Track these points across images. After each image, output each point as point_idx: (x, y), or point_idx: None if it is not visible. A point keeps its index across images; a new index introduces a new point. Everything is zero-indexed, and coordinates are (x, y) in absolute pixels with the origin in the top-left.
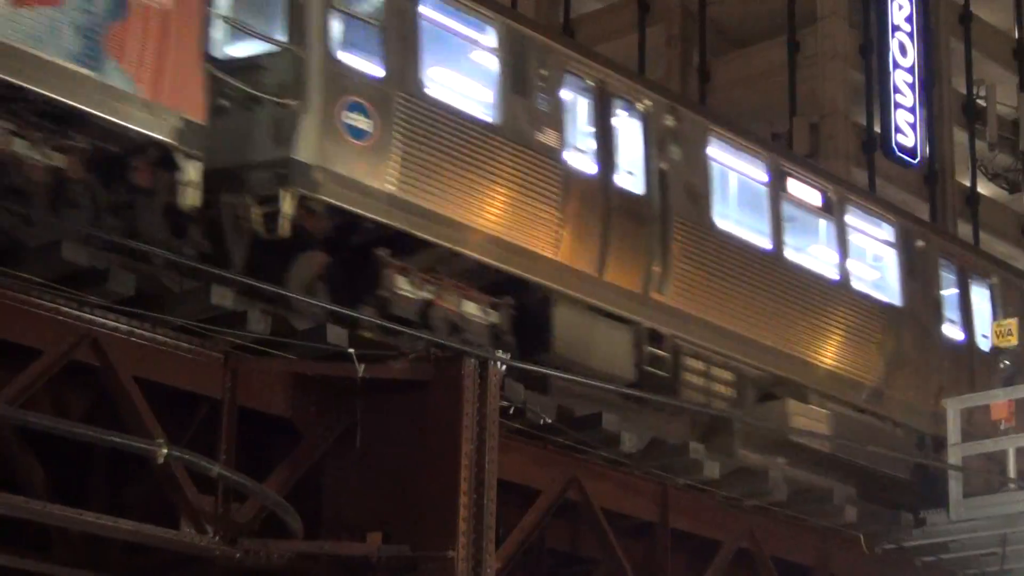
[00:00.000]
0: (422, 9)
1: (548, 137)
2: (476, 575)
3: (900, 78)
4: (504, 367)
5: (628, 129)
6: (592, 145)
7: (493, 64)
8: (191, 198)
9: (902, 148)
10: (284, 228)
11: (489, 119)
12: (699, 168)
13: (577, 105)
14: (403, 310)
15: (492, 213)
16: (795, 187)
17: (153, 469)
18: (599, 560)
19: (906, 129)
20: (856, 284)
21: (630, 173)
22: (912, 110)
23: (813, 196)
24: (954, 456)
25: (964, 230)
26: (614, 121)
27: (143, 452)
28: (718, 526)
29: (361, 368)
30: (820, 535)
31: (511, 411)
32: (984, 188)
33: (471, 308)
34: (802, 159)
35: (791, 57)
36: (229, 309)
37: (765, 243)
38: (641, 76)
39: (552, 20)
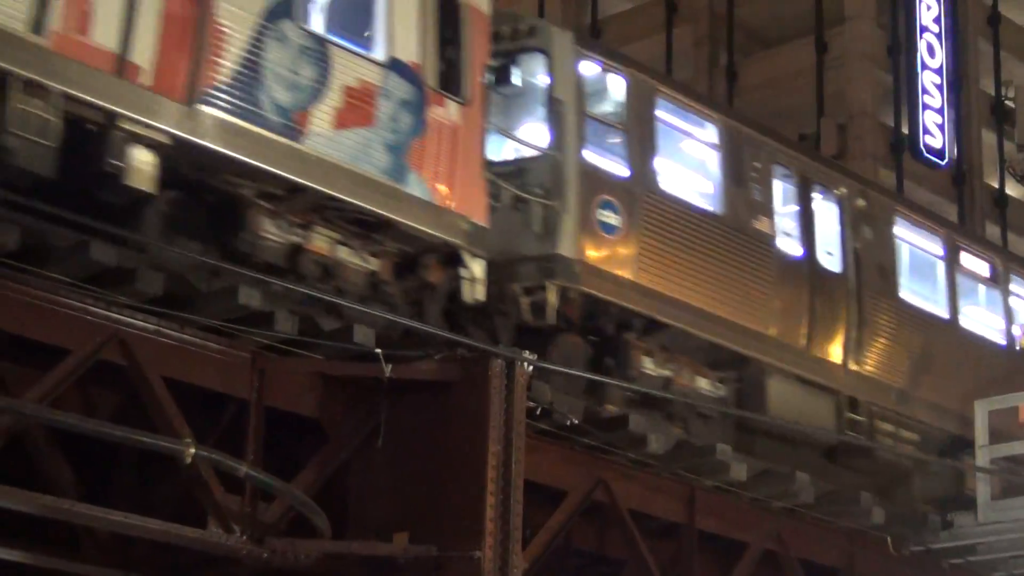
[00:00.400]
0: (657, 112)
1: (761, 223)
2: (502, 575)
3: (928, 79)
4: (531, 368)
5: (826, 212)
6: (796, 228)
7: (714, 158)
8: (478, 293)
9: (930, 149)
10: (551, 316)
11: (713, 209)
12: (887, 246)
13: (783, 192)
14: (651, 386)
15: (716, 295)
16: (967, 260)
17: (181, 469)
18: (626, 561)
19: (934, 130)
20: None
21: (829, 253)
22: (940, 111)
23: (982, 267)
24: (982, 458)
25: (992, 232)
26: (814, 205)
27: (171, 452)
28: (745, 527)
29: (388, 368)
30: (847, 537)
31: (538, 412)
32: (1012, 189)
33: (703, 383)
34: (971, 233)
35: (819, 58)
36: (257, 309)
37: (942, 312)
38: (836, 163)
39: (580, 21)
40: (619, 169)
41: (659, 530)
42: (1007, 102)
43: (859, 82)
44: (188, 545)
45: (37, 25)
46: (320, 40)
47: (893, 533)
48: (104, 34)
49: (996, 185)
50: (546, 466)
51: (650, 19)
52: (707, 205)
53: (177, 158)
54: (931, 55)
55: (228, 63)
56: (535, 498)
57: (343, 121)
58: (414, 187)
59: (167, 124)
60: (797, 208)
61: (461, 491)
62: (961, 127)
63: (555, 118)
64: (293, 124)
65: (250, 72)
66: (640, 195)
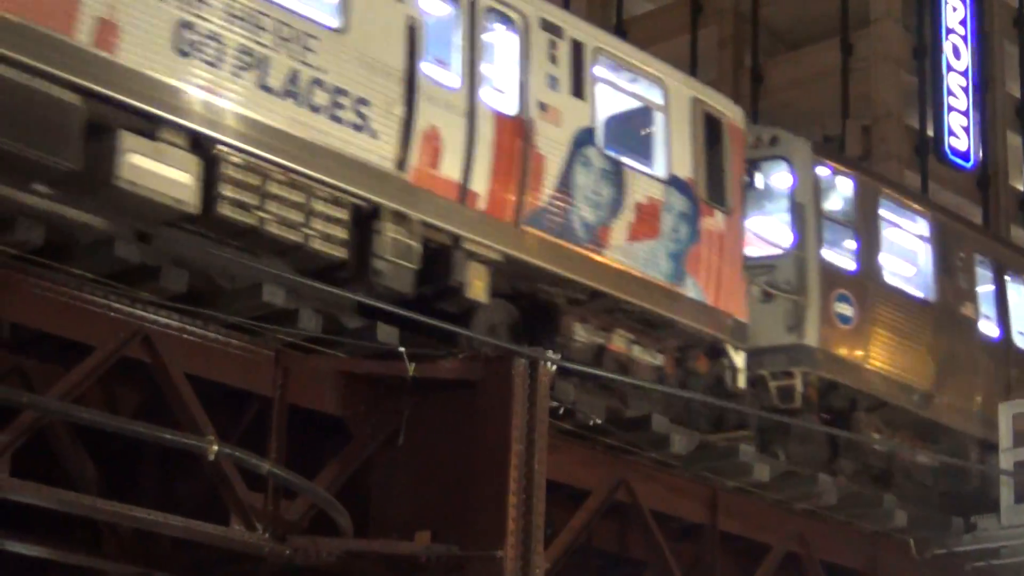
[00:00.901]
0: (880, 210)
1: (967, 308)
2: (524, 575)
3: (954, 81)
4: (554, 367)
5: (1018, 296)
6: (992, 312)
7: (926, 250)
8: (740, 381)
9: (955, 152)
10: (797, 401)
11: (928, 297)
12: None
13: (982, 279)
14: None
15: (933, 376)
16: None
17: (203, 466)
18: (647, 562)
19: (959, 132)
20: None
21: (1022, 333)
22: (965, 113)
23: None
24: (1006, 461)
25: (1017, 235)
26: (1009, 290)
27: (194, 449)
28: (767, 529)
29: (411, 367)
30: (869, 539)
31: (561, 411)
32: None
33: (923, 459)
34: None
35: (844, 59)
36: (280, 307)
37: None
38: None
39: (605, 22)
40: (849, 264)
41: (681, 531)
42: None
43: (884, 84)
44: (210, 542)
45: (401, 163)
46: (616, 163)
47: (916, 536)
48: (451, 167)
49: (1021, 188)
50: (568, 466)
51: (675, 20)
52: (923, 294)
53: (504, 271)
54: (956, 57)
55: (546, 187)
56: (557, 498)
57: (635, 234)
58: (690, 289)
59: (500, 243)
60: (993, 292)
61: (483, 490)
62: (986, 129)
63: (797, 219)
64: (596, 238)
65: (563, 194)
66: (869, 287)
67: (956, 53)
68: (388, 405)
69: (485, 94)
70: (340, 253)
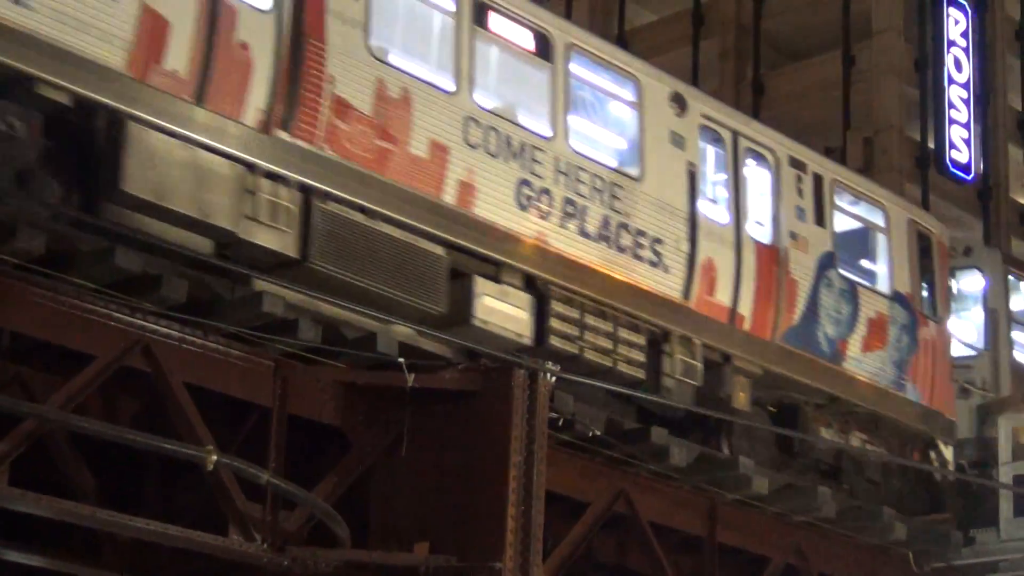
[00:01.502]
0: None
1: None
2: None
3: (955, 93)
4: (554, 378)
5: None
6: None
7: None
8: (944, 476)
9: (956, 164)
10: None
11: None
12: None
13: None
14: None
15: None
16: None
17: (203, 476)
18: (646, 574)
19: (960, 145)
20: None
21: None
22: (967, 126)
23: None
24: (1006, 475)
25: (1019, 248)
26: None
27: (193, 459)
28: (766, 542)
29: (411, 378)
30: (868, 552)
31: (560, 423)
32: None
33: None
34: None
35: (846, 71)
36: (280, 317)
37: None
38: None
39: (606, 32)
40: None
41: (680, 543)
42: None
43: (886, 96)
44: (209, 552)
45: (686, 292)
46: (851, 283)
47: (915, 549)
48: (723, 293)
49: (1022, 200)
50: (567, 477)
51: (677, 31)
52: None
53: (760, 382)
54: (958, 69)
55: (797, 308)
56: (556, 509)
57: (867, 345)
58: (911, 393)
59: (761, 359)
60: None
61: (482, 501)
62: (987, 142)
63: (990, 322)
64: (836, 351)
65: (811, 313)
66: None
67: (958, 65)
68: (387, 416)
69: (748, 226)
70: (639, 374)
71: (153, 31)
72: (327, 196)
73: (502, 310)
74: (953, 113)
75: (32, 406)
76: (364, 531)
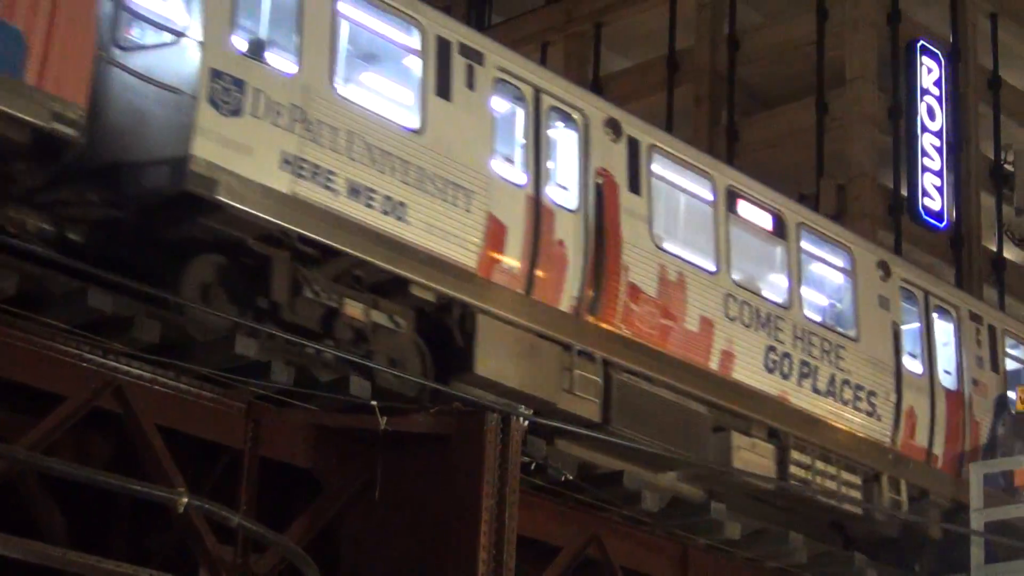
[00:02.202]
0: None
1: None
2: None
3: (928, 141)
4: (526, 422)
5: None
6: None
7: None
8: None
9: (929, 211)
10: None
11: None
12: None
13: None
14: None
15: None
16: None
17: (173, 518)
18: None
19: (933, 193)
20: None
21: None
22: (939, 174)
23: None
24: (976, 521)
25: (990, 295)
26: None
27: (163, 501)
28: None
29: (383, 421)
30: None
31: (532, 467)
32: (1010, 253)
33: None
34: None
35: (819, 118)
36: (252, 359)
37: None
38: None
39: (581, 78)
40: None
41: None
42: (1006, 166)
43: (859, 143)
44: None
45: (893, 438)
46: (1020, 419)
47: None
48: (921, 436)
49: (994, 248)
50: (539, 521)
51: (651, 77)
52: None
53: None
54: (931, 118)
55: (979, 446)
56: (528, 553)
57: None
58: None
59: (952, 494)
60: None
61: (454, 545)
62: (960, 190)
63: None
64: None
65: (990, 451)
66: None
67: (931, 114)
68: (359, 459)
69: (939, 375)
70: (857, 510)
71: (495, 234)
72: (622, 369)
73: (752, 460)
74: (926, 161)
75: (2, 447)
76: (335, 574)
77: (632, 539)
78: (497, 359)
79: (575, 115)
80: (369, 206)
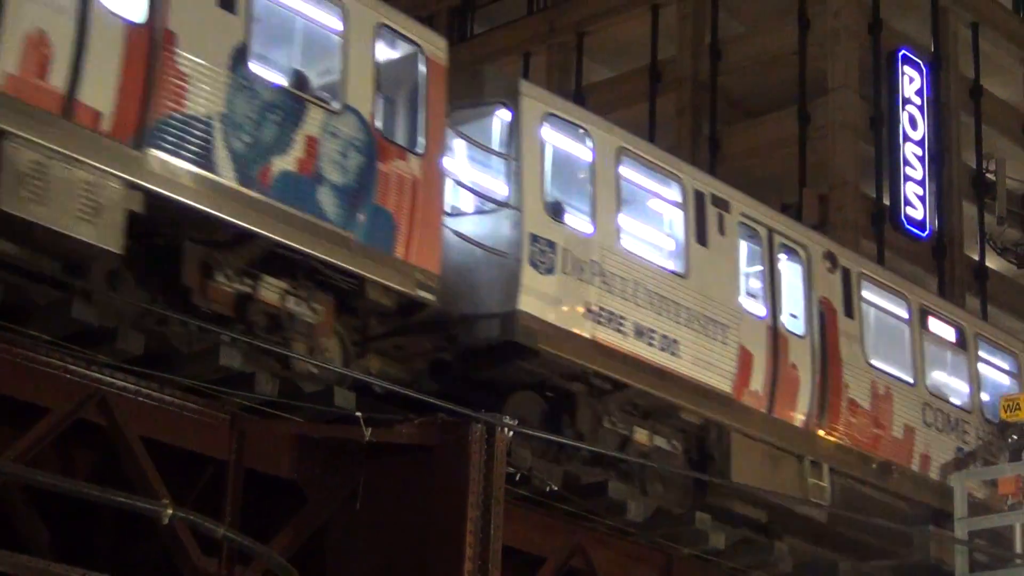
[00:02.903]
0: None
1: None
2: None
3: (910, 151)
4: (511, 433)
5: None
6: None
7: None
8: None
9: (911, 221)
10: None
11: None
12: None
13: None
14: None
15: None
16: None
17: (158, 530)
18: None
19: (915, 202)
20: None
21: None
22: (921, 183)
23: None
24: (960, 530)
25: (972, 304)
26: None
27: (148, 512)
28: None
29: (368, 432)
30: None
31: (517, 477)
32: (992, 262)
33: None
34: None
35: (801, 128)
36: (237, 370)
37: None
38: None
39: (563, 88)
40: None
41: None
42: (988, 175)
43: (841, 152)
44: None
45: None
46: None
47: None
48: None
49: (976, 257)
50: (524, 532)
51: (634, 87)
52: None
53: None
54: (913, 127)
55: None
56: (513, 563)
57: None
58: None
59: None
60: None
61: (439, 556)
62: (942, 199)
63: None
64: None
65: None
66: None
67: (912, 123)
68: (344, 470)
69: None
70: None
71: (744, 362)
72: (844, 475)
73: None
74: (908, 170)
75: None
76: None
77: (617, 549)
78: (749, 470)
79: (800, 251)
80: (651, 344)
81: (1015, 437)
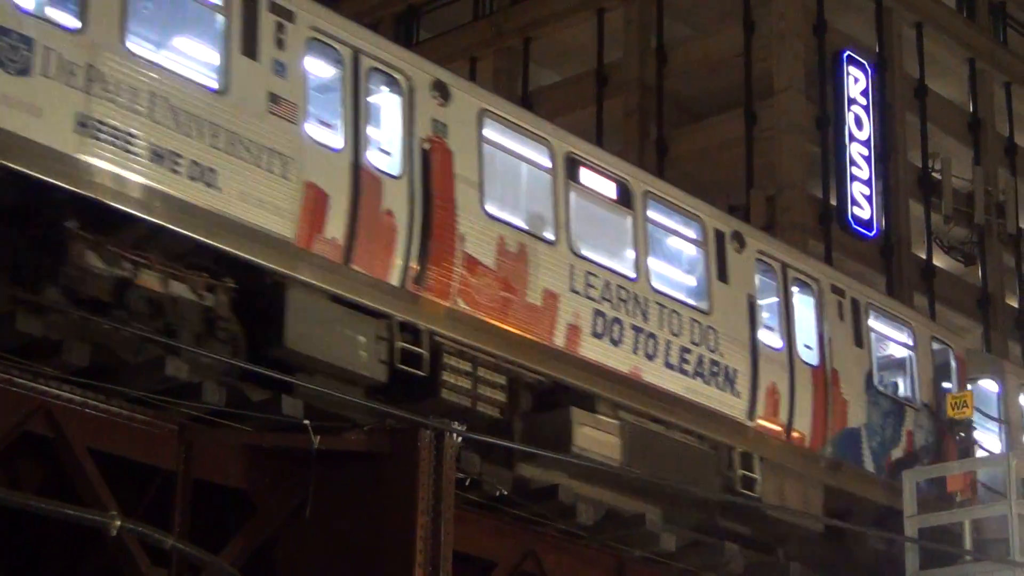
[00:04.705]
0: None
1: None
2: None
3: (856, 151)
4: (460, 439)
5: None
6: None
7: None
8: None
9: (858, 220)
10: None
11: None
12: None
13: None
14: None
15: None
16: None
17: (107, 541)
18: None
19: (862, 202)
20: None
21: None
22: (868, 183)
23: None
24: (910, 528)
25: (920, 302)
26: None
27: (96, 524)
28: None
29: (316, 440)
30: None
31: (467, 482)
32: (940, 261)
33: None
34: None
35: (748, 130)
36: (184, 380)
37: None
38: None
39: (511, 93)
40: None
41: None
42: (934, 174)
43: (788, 154)
44: None
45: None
46: None
47: None
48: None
49: (924, 256)
50: (475, 537)
51: (581, 91)
52: None
53: None
54: (859, 127)
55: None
56: (464, 569)
57: None
58: None
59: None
60: None
61: (390, 563)
62: (889, 199)
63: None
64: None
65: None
66: None
67: (858, 123)
68: (293, 478)
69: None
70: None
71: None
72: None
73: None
74: (854, 170)
75: None
76: None
77: (568, 553)
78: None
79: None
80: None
81: (962, 435)
